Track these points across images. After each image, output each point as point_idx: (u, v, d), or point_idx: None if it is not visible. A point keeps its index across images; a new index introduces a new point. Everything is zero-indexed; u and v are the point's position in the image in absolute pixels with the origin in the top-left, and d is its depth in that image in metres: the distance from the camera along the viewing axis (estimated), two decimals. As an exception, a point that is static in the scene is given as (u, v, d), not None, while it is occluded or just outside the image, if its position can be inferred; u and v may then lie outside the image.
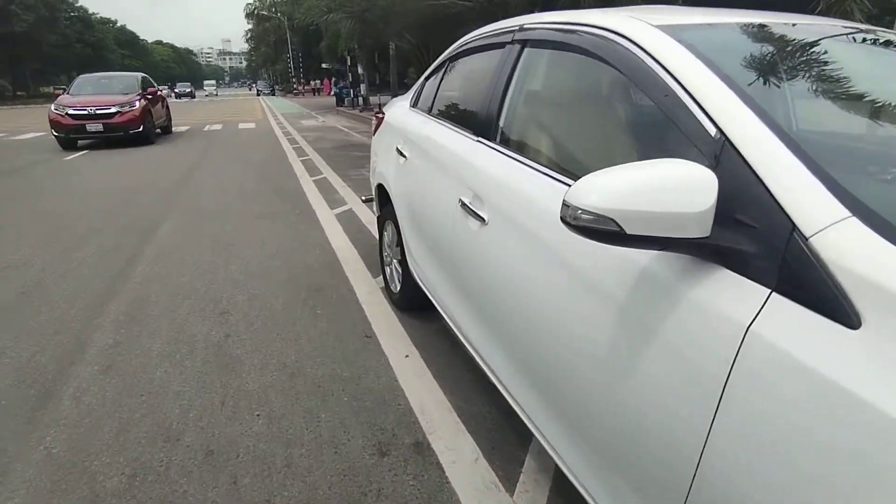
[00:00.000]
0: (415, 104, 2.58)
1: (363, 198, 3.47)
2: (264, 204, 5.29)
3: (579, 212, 0.81)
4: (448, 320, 2.00)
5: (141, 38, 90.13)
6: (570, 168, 1.31)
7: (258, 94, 48.43)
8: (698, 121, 0.93)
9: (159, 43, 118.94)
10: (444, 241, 1.83)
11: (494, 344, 1.55)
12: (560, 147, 1.49)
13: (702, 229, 0.79)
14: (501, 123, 1.62)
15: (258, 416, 1.94)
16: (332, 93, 26.24)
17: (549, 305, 1.20)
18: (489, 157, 1.59)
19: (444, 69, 2.30)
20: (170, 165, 8.07)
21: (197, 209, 5.13)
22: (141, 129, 10.27)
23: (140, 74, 12.13)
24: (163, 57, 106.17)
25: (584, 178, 0.84)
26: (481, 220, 1.51)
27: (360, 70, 20.31)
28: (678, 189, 0.79)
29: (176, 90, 51.37)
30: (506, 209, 1.41)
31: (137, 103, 10.37)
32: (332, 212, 4.93)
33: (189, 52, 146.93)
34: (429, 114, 2.31)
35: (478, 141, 1.70)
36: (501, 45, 1.73)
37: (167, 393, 2.08)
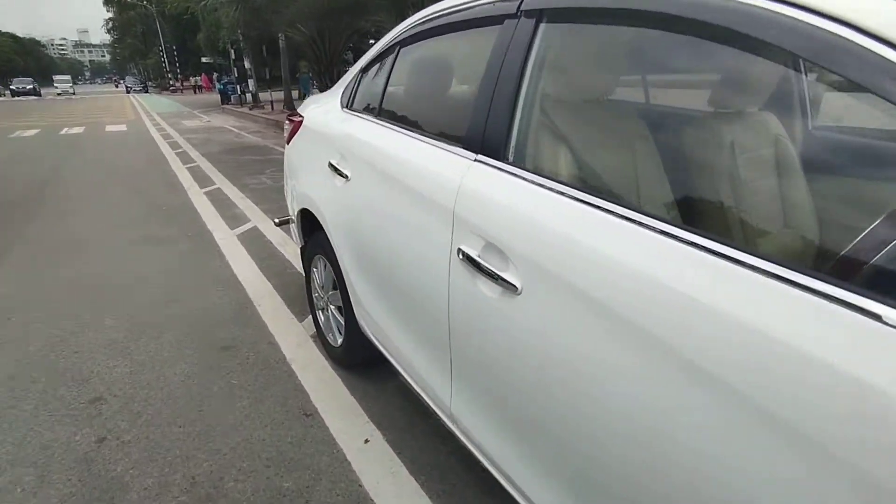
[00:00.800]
0: (349, 104, 1.97)
1: (276, 220, 2.79)
2: (144, 227, 4.30)
3: None
4: (427, 399, 1.46)
5: (-32, 26, 76.48)
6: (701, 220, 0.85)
7: (128, 92, 43.34)
8: None
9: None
10: (429, 304, 1.28)
11: (533, 461, 1.05)
12: (653, 179, 1.00)
13: None
14: (514, 136, 1.10)
15: (159, 591, 1.27)
16: (217, 89, 23.94)
17: (682, 446, 0.72)
18: (504, 186, 1.07)
19: (392, 57, 1.72)
20: None
21: (51, 240, 4.02)
22: None
23: None
24: (0, 48, 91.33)
25: None
26: (507, 286, 0.98)
27: (247, 64, 18.56)
28: None
29: (12, 87, 44.23)
30: (560, 275, 0.90)
31: None
32: (232, 232, 4.12)
33: (36, 42, 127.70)
34: (375, 118, 1.73)
35: (476, 160, 1.17)
36: (496, 20, 1.20)
37: (-1, 571, 1.32)
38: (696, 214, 0.98)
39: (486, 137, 1.15)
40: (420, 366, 1.42)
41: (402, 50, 1.67)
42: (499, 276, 1.00)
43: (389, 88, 1.71)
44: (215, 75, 28.49)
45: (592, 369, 0.85)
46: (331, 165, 1.83)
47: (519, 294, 0.97)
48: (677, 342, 0.73)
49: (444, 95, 1.52)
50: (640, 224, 0.82)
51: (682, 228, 0.77)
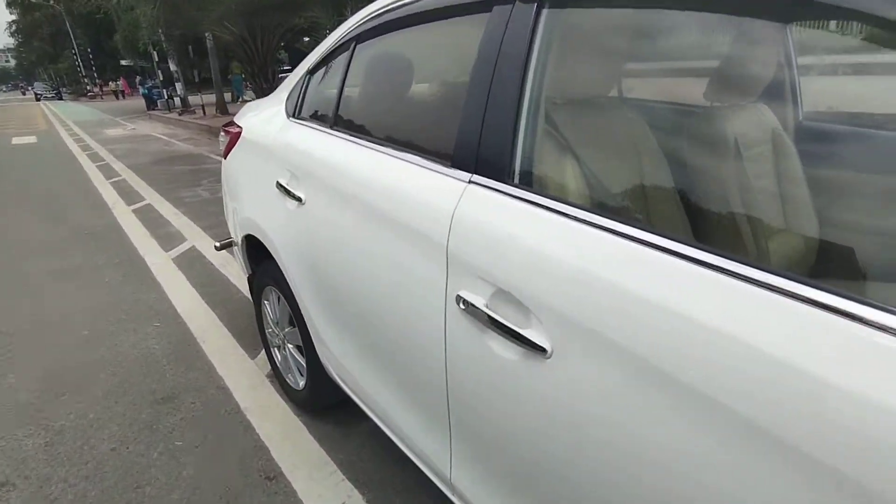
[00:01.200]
0: (296, 113, 1.69)
1: (217, 244, 2.44)
2: (61, 256, 3.78)
3: None
4: (414, 458, 1.22)
5: None
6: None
7: (38, 100, 39.89)
8: None
9: None
10: (418, 358, 1.05)
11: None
12: (704, 200, 0.81)
13: None
14: (518, 150, 0.88)
15: None
16: (141, 94, 22.38)
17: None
18: (513, 215, 0.85)
19: (346, 55, 1.46)
20: None
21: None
22: None
23: None
24: None
25: None
26: (533, 347, 0.77)
27: (172, 66, 17.35)
28: None
29: None
30: (604, 334, 0.69)
31: None
32: (167, 255, 3.69)
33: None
34: (331, 129, 1.46)
35: (471, 182, 0.94)
36: (483, 7, 0.97)
37: None
38: (753, 245, 0.80)
39: (481, 153, 0.92)
40: (405, 423, 1.18)
41: (358, 46, 1.41)
42: (516, 332, 0.78)
43: (346, 93, 1.44)
44: (138, 79, 26.70)
45: (651, 453, 0.65)
46: (279, 185, 1.55)
47: (549, 358, 0.75)
48: (764, 415, 0.54)
49: (418, 102, 1.28)
50: (703, 264, 0.63)
51: (756, 269, 0.59)
